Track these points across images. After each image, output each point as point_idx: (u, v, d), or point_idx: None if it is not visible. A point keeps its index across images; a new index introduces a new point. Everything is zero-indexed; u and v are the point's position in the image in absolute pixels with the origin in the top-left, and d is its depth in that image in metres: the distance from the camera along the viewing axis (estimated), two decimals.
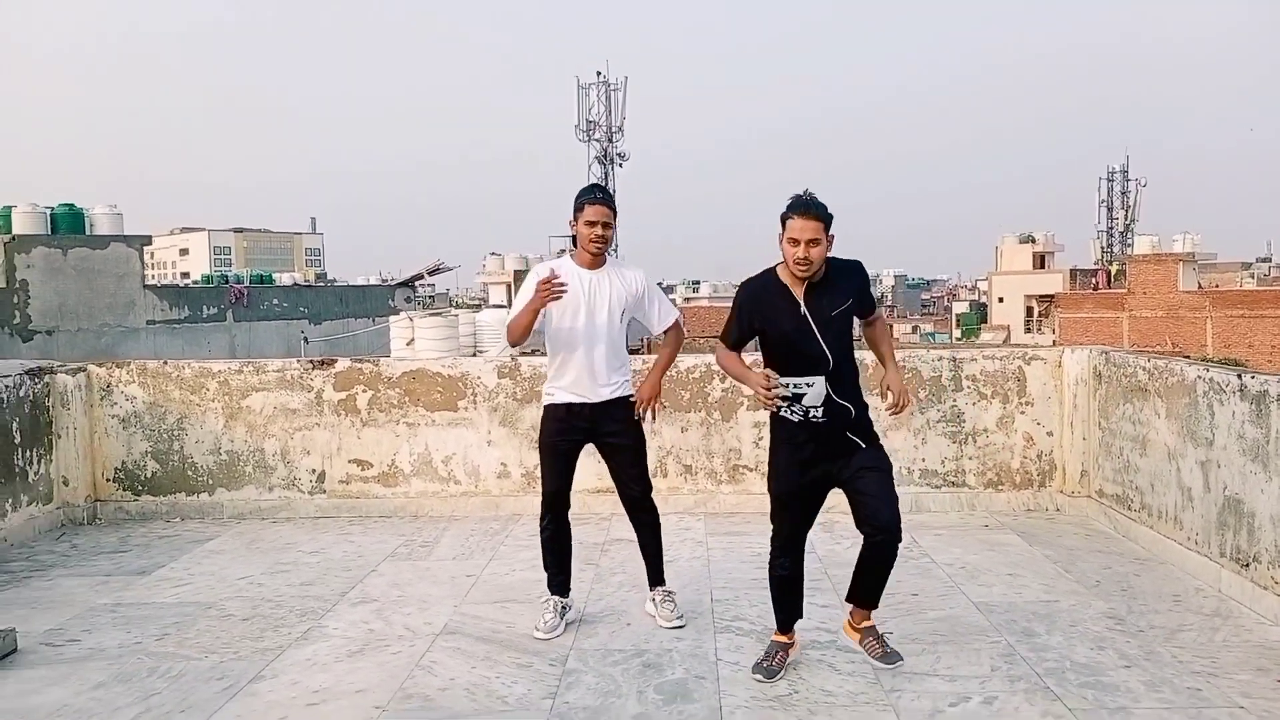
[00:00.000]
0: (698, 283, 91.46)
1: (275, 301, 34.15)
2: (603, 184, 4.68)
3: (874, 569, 4.02)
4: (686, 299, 75.08)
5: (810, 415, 3.94)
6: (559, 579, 4.79)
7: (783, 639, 4.23)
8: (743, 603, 5.06)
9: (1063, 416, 6.93)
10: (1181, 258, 49.35)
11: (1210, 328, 45.95)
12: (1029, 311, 61.22)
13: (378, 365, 7.18)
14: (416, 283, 43.80)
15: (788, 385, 3.91)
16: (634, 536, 4.92)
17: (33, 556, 6.19)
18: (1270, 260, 77.02)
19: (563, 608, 4.75)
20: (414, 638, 4.69)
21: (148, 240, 30.82)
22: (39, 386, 6.85)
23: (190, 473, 7.14)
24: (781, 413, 3.98)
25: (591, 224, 4.52)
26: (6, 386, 6.56)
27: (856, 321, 4.14)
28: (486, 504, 6.99)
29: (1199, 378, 5.40)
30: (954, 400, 6.95)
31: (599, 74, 55.72)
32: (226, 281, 37.56)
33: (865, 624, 4.13)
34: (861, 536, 4.01)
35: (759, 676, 4.09)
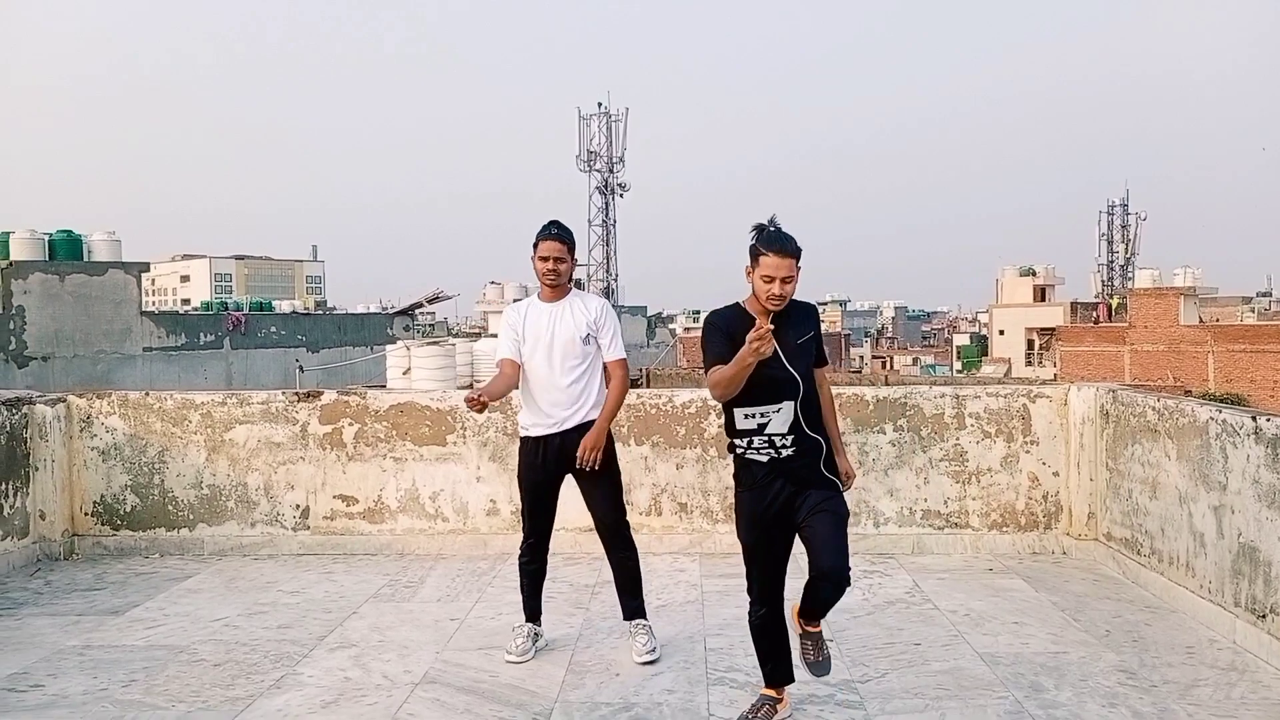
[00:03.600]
0: (698, 312, 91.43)
1: (273, 329, 33.98)
2: (561, 221, 4.67)
3: (819, 599, 3.84)
4: (686, 329, 74.87)
5: (780, 447, 3.80)
6: (534, 605, 4.89)
7: (771, 693, 4.03)
8: (738, 652, 4.84)
9: (1069, 456, 6.73)
10: (1182, 291, 49.22)
11: (1212, 362, 45.80)
12: (1030, 344, 61.01)
13: (364, 398, 7.00)
14: (416, 311, 43.63)
15: (753, 414, 3.79)
16: None
17: (4, 594, 5.98)
18: (1270, 294, 76.94)
19: (535, 634, 4.86)
20: (392, 687, 4.47)
21: (145, 267, 30.70)
22: (16, 418, 6.66)
23: (171, 507, 6.93)
24: (747, 455, 3.86)
25: (544, 259, 4.65)
26: None
27: None
28: (474, 542, 6.78)
29: (1211, 419, 5.21)
30: (957, 439, 6.76)
31: (600, 105, 55.80)
32: (226, 308, 37.43)
33: (810, 628, 3.95)
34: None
35: None
